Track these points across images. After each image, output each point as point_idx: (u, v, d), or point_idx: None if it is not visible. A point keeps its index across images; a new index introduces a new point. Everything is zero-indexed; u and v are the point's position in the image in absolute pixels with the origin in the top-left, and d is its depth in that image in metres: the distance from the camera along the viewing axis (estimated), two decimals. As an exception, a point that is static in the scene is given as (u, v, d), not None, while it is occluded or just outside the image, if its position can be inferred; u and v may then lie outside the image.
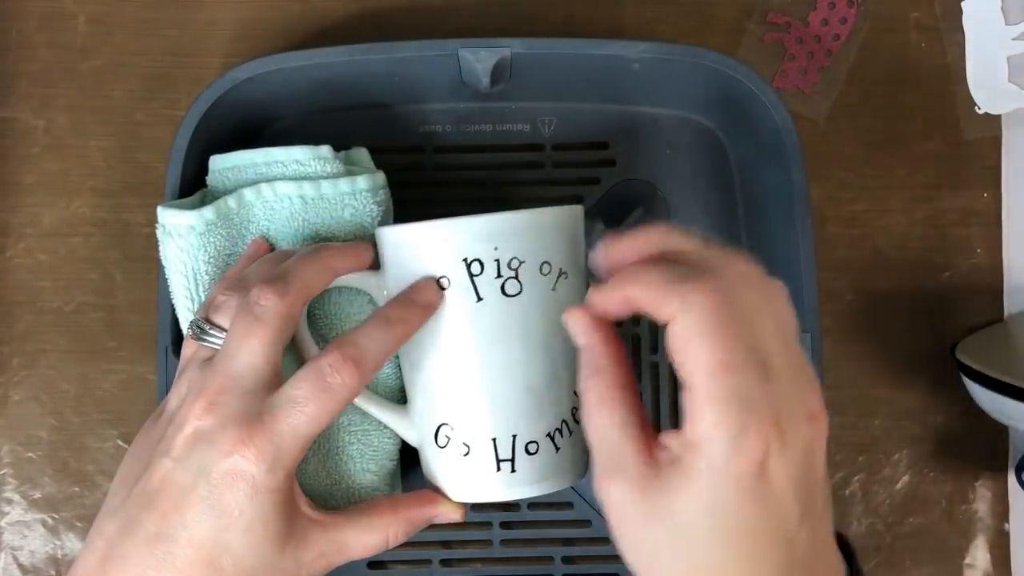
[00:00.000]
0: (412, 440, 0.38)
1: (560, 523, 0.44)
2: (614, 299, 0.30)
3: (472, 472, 0.36)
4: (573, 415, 0.37)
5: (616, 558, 0.44)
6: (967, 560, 0.47)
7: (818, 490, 0.28)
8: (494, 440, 0.36)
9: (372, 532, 0.35)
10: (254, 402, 0.31)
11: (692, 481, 0.27)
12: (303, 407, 0.31)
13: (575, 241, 0.36)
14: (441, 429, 0.36)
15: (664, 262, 0.29)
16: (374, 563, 0.44)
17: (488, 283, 0.34)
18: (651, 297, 0.28)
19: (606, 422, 0.30)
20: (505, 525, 0.44)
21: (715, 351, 0.27)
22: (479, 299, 0.35)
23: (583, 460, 0.38)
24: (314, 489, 0.38)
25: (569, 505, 0.44)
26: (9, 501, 0.46)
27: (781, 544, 0.27)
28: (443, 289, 0.35)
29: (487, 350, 0.35)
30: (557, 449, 0.37)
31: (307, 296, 0.34)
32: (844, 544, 0.31)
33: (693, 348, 0.27)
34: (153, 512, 0.31)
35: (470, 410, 0.36)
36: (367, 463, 0.38)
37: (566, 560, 0.45)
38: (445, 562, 0.44)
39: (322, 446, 0.38)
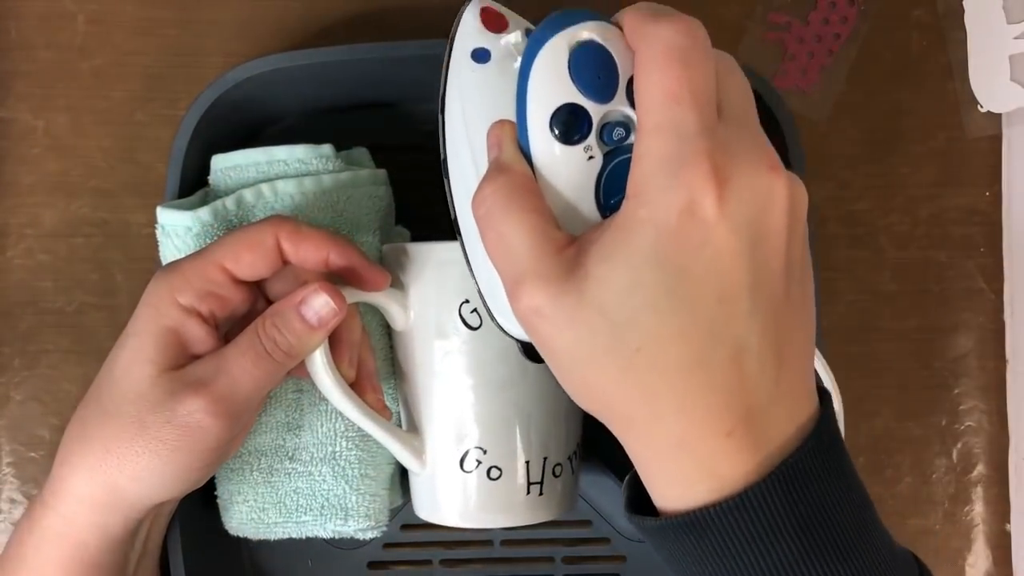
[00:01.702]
0: (414, 466, 0.37)
1: (561, 523, 0.44)
2: None
3: (501, 496, 0.36)
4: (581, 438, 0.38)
5: (617, 558, 0.45)
6: (968, 561, 0.47)
7: (776, 270, 0.25)
8: (527, 463, 0.36)
9: (244, 334, 0.34)
10: None
11: (619, 239, 0.25)
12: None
13: None
14: (470, 453, 0.36)
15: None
16: (374, 563, 0.44)
17: None
18: (628, 31, 0.27)
19: (516, 228, 0.26)
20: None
21: (664, 80, 0.25)
22: None
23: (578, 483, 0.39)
24: (313, 494, 0.38)
25: (570, 505, 0.44)
26: (12, 501, 0.46)
27: (722, 321, 0.24)
28: None
29: (532, 372, 0.35)
30: (572, 471, 0.38)
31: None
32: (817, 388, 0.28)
33: (643, 79, 0.25)
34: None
35: (508, 433, 0.36)
36: (366, 468, 0.38)
37: (567, 560, 0.45)
38: (446, 562, 0.45)
39: (320, 451, 0.38)
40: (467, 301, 0.35)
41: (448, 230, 0.35)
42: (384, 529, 0.40)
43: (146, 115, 0.47)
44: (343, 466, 0.38)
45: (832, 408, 0.27)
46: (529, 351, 0.32)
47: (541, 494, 0.36)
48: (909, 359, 0.48)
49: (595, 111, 0.27)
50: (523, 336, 0.29)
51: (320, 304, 0.33)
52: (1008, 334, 0.47)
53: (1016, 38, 0.47)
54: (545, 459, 0.36)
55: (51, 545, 0.34)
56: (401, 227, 0.43)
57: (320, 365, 0.35)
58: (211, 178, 0.40)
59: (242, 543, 0.43)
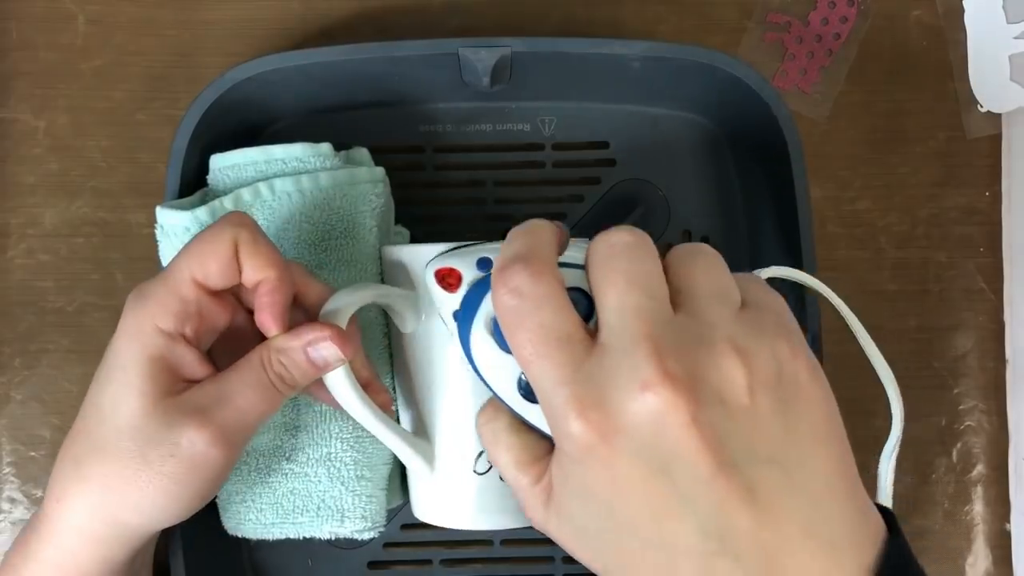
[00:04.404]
0: (423, 470, 0.37)
1: (560, 523, 0.44)
2: None
3: (511, 497, 0.36)
4: None
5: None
6: (968, 561, 0.47)
7: (706, 475, 0.25)
8: None
9: (247, 363, 0.33)
10: None
11: (558, 472, 0.28)
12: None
13: None
14: (483, 455, 0.36)
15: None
16: (374, 563, 0.45)
17: None
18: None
19: (504, 463, 0.30)
20: (505, 525, 0.44)
21: (517, 349, 0.27)
22: None
23: None
24: (310, 495, 0.38)
25: (569, 505, 0.44)
26: (12, 500, 0.46)
27: (670, 534, 0.25)
28: None
29: None
30: None
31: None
32: (884, 513, 0.28)
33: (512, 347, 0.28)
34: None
35: None
36: (361, 469, 0.38)
37: (567, 560, 0.45)
38: (446, 562, 0.45)
39: (316, 452, 0.38)
40: None
41: (453, 230, 0.35)
42: (381, 530, 0.40)
43: (146, 115, 0.47)
44: (338, 467, 0.38)
45: (899, 540, 0.27)
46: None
47: None
48: (909, 359, 0.48)
49: None
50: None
51: (328, 352, 0.33)
52: (1008, 334, 0.47)
53: (1016, 38, 0.47)
54: None
55: (50, 575, 0.33)
56: (401, 227, 0.43)
57: (344, 379, 0.34)
58: (209, 178, 0.40)
59: (242, 543, 0.44)
